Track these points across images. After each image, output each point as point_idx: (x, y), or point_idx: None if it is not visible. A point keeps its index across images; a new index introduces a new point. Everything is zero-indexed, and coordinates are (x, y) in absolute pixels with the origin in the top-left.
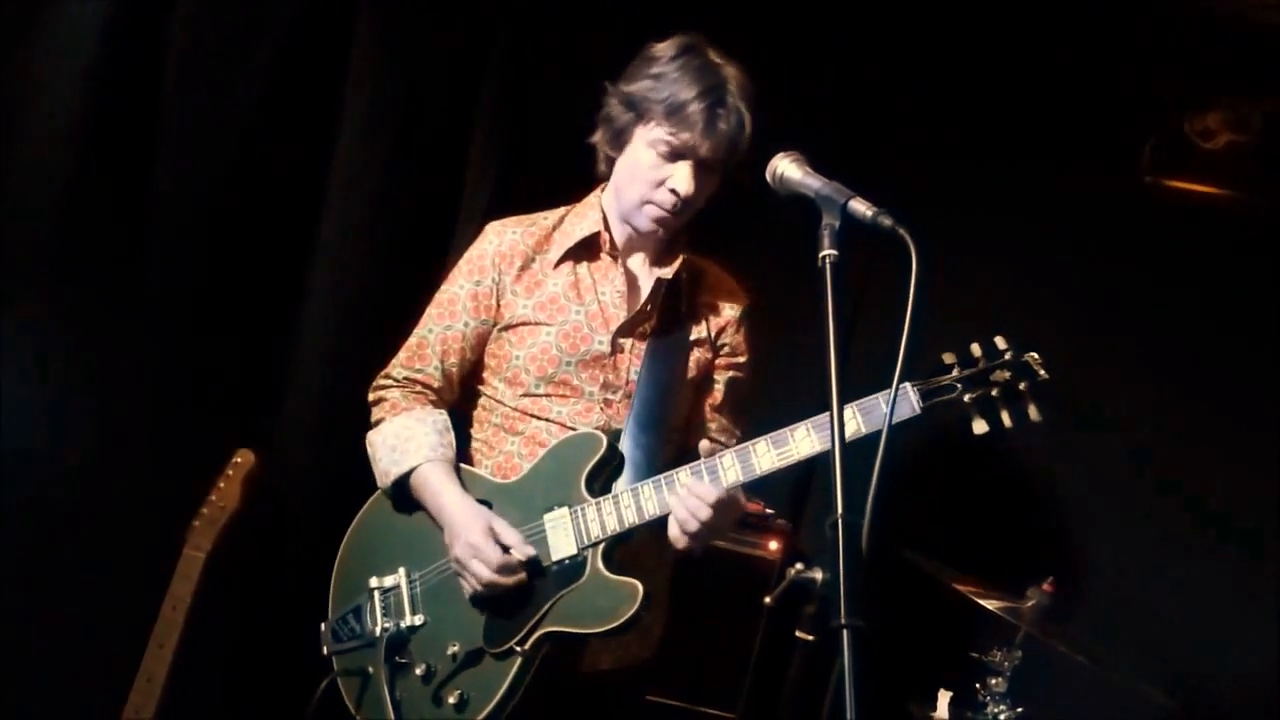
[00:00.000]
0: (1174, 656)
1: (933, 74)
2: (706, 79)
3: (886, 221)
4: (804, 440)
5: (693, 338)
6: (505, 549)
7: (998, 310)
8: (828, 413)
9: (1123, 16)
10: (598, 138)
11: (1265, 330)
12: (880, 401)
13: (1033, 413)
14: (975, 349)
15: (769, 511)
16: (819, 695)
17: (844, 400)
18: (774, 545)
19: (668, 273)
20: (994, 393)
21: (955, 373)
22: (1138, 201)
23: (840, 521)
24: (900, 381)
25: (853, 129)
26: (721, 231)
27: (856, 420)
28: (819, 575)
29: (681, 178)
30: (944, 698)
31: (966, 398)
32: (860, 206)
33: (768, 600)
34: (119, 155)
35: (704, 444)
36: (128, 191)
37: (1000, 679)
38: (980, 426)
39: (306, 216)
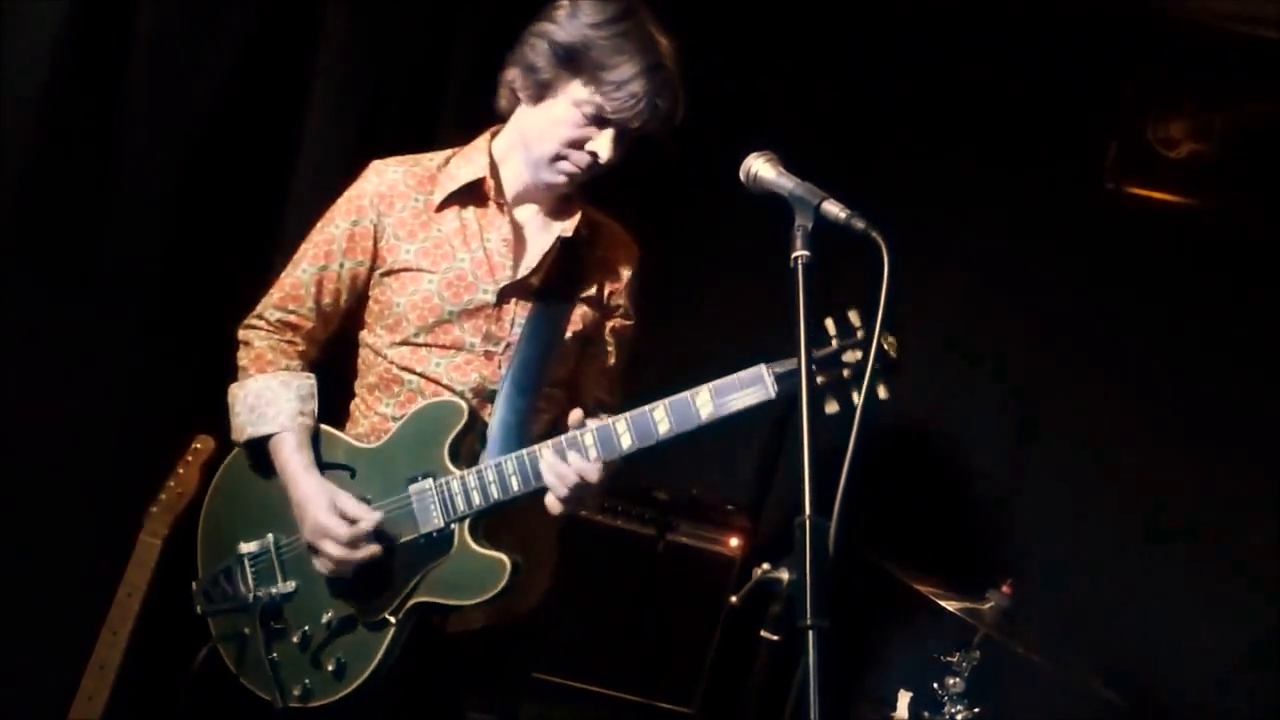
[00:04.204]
0: (1128, 658)
1: (900, 80)
2: (650, 54)
3: (859, 224)
4: (662, 421)
5: (582, 295)
6: (351, 522)
7: (961, 314)
8: (683, 394)
9: (1087, 25)
10: (515, 80)
11: (1223, 336)
12: (738, 382)
13: (882, 392)
14: (829, 325)
15: (729, 506)
16: (782, 695)
17: (815, 402)
18: (734, 542)
19: (568, 229)
20: (845, 374)
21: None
22: (1101, 208)
23: (808, 523)
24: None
25: (822, 132)
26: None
27: (710, 405)
28: (785, 575)
29: (604, 144)
30: (904, 698)
31: (820, 379)
32: (834, 208)
33: (733, 600)
34: (81, 142)
35: (574, 414)
36: (90, 178)
37: (959, 679)
38: (832, 407)
39: (271, 203)
